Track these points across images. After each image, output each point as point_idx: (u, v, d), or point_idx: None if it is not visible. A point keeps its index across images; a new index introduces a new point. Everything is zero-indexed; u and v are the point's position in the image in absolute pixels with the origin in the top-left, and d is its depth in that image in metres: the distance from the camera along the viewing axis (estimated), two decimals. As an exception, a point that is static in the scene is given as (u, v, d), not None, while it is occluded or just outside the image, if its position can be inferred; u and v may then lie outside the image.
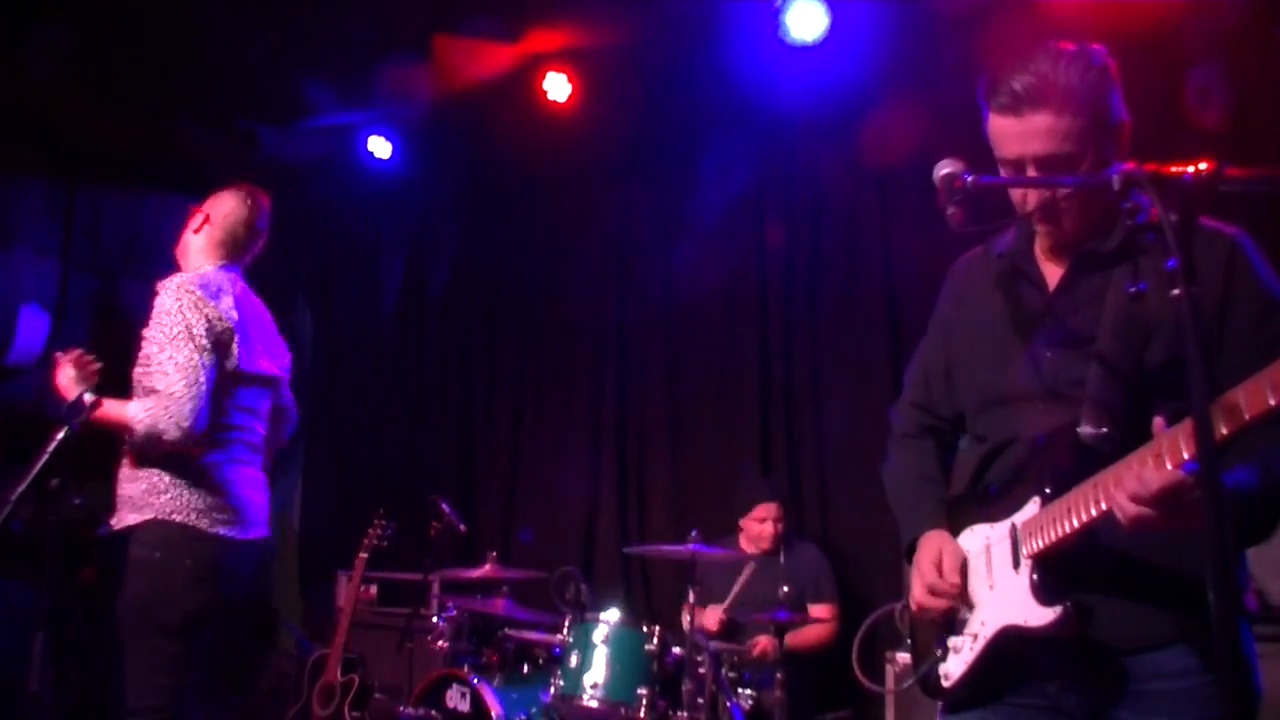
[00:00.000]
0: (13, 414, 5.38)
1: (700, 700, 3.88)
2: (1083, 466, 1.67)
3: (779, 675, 3.97)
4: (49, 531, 3.87)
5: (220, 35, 5.10)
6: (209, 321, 3.19)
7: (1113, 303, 1.79)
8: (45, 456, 2.83)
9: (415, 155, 6.25)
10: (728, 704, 3.97)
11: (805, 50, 4.84)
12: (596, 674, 3.96)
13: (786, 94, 5.22)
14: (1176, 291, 1.41)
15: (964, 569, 1.89)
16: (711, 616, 4.56)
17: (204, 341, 3.14)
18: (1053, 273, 1.93)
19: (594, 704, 3.94)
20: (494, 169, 6.42)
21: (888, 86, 5.06)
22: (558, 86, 5.42)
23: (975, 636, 1.83)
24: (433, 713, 4.31)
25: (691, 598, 4.01)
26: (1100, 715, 1.73)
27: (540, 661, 4.54)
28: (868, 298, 5.24)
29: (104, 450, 3.38)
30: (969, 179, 1.69)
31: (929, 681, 1.94)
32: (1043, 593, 1.71)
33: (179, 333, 3.12)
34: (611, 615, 4.14)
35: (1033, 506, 1.77)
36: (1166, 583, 1.68)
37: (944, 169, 1.70)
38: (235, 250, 3.51)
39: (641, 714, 3.88)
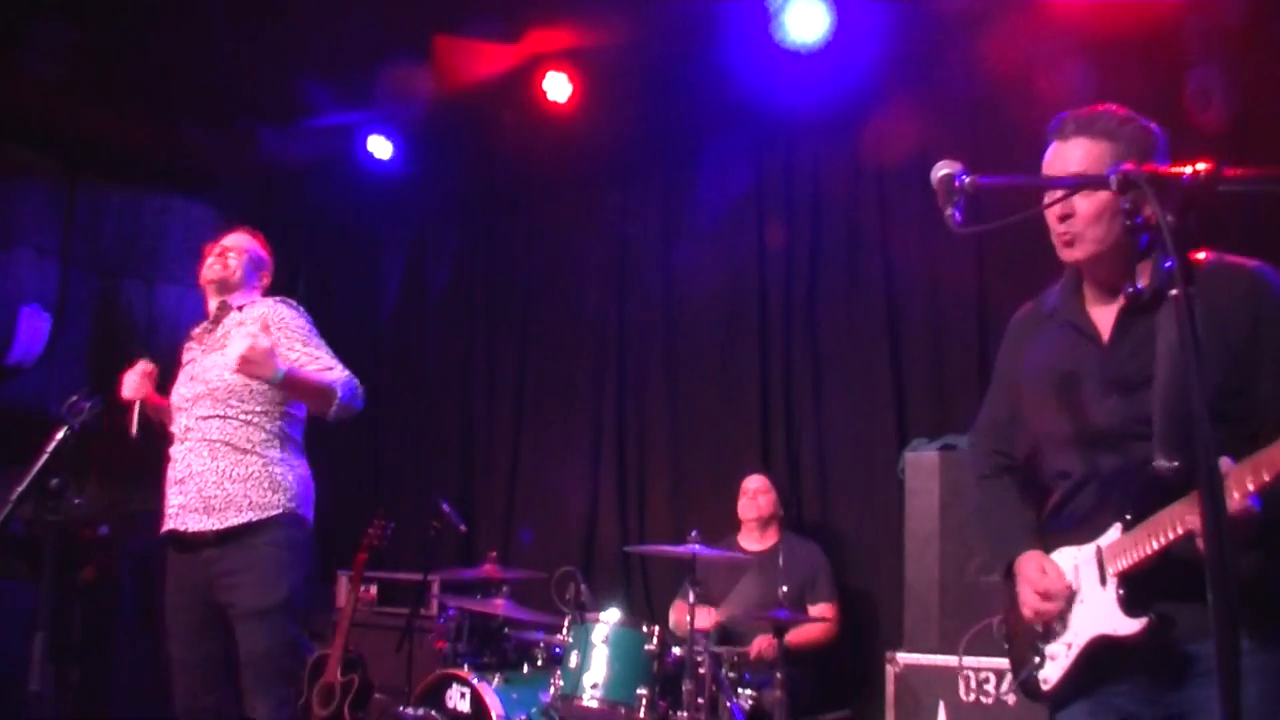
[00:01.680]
0: (13, 414, 5.38)
1: (700, 700, 3.88)
2: (1158, 496, 1.91)
3: (779, 675, 3.96)
4: (49, 531, 3.87)
5: (220, 35, 5.10)
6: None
7: (1164, 344, 1.98)
8: (45, 456, 2.83)
9: (415, 155, 6.25)
10: (728, 704, 3.97)
11: (805, 51, 4.84)
12: (596, 674, 3.96)
13: (787, 94, 5.21)
14: (1175, 292, 1.41)
15: (1065, 582, 2.11)
16: (705, 619, 4.57)
17: None
18: (1102, 319, 2.12)
19: (594, 704, 3.94)
20: (494, 169, 6.42)
21: (888, 87, 5.06)
22: (558, 86, 5.42)
23: (1069, 645, 2.08)
24: (433, 713, 4.31)
25: (691, 597, 4.01)
26: (1175, 696, 1.96)
27: (540, 661, 4.54)
28: (868, 298, 5.24)
29: (104, 450, 3.38)
30: (966, 179, 1.72)
31: (1029, 685, 2.18)
32: (1129, 605, 1.96)
33: (310, 330, 3.46)
34: (611, 615, 4.14)
35: (1115, 531, 2.01)
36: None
37: (942, 170, 1.74)
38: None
39: (641, 714, 3.88)
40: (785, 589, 4.27)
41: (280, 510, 3.28)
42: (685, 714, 3.87)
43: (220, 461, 3.29)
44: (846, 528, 5.16)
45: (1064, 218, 2.04)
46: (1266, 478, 1.72)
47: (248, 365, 3.10)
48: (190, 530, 3.27)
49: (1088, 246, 2.04)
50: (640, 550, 4.82)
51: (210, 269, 3.54)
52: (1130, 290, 2.02)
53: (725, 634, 4.64)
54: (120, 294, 6.24)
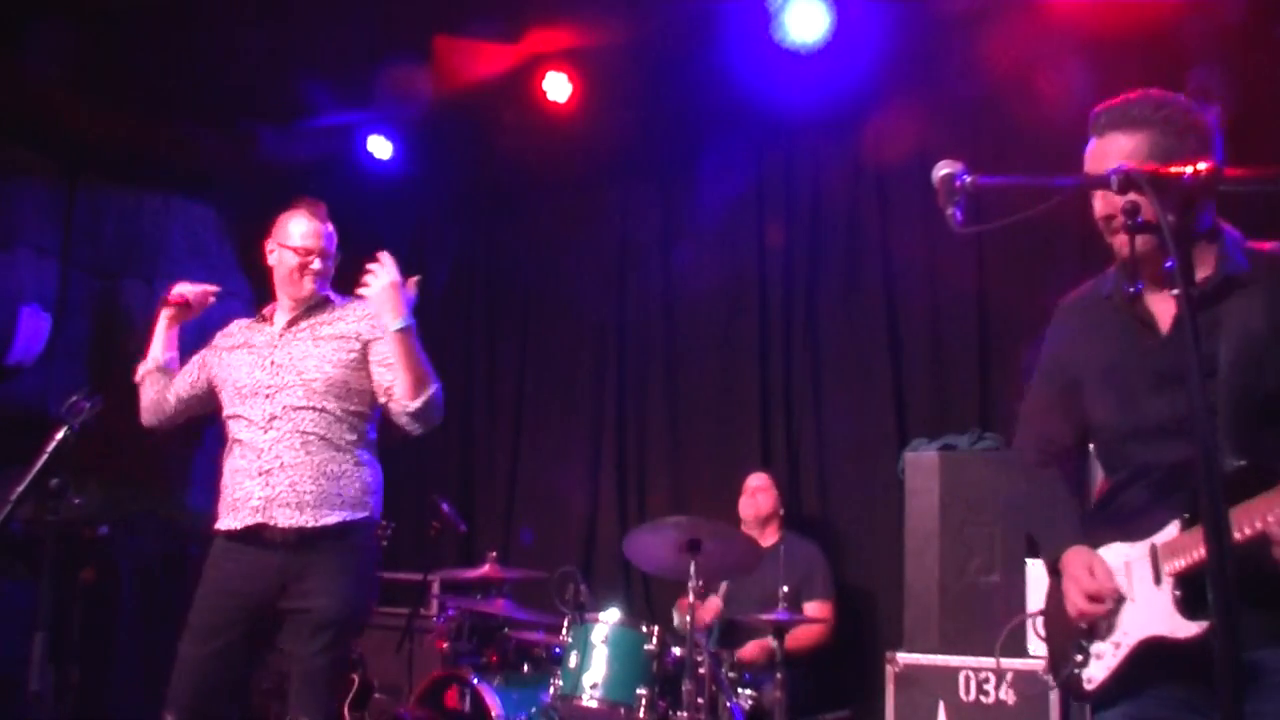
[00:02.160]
0: (13, 414, 5.37)
1: (700, 700, 3.88)
2: (1226, 493, 1.80)
3: (779, 675, 3.96)
4: (49, 531, 3.87)
5: (220, 35, 5.10)
6: None
7: (1228, 336, 1.93)
8: (45, 456, 2.83)
9: (415, 155, 6.25)
10: (728, 704, 3.97)
11: (805, 51, 4.84)
12: (596, 674, 3.96)
13: (787, 94, 5.22)
14: (1175, 292, 1.41)
15: (1113, 580, 2.04)
16: (708, 609, 4.57)
17: None
18: (1162, 310, 2.05)
19: (594, 704, 3.94)
20: (494, 169, 6.42)
21: (888, 87, 5.06)
22: (558, 86, 5.42)
23: (1118, 645, 2.01)
24: (433, 713, 4.31)
25: (691, 596, 4.01)
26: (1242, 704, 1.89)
27: (540, 661, 4.54)
28: (868, 298, 5.25)
29: (104, 450, 3.37)
30: (967, 179, 1.71)
31: (1071, 683, 2.11)
32: (1186, 607, 1.89)
33: None
34: (611, 615, 4.14)
35: (1172, 529, 1.94)
36: None
37: (943, 169, 1.73)
38: None
39: (641, 714, 3.88)
40: (785, 589, 4.27)
41: (367, 514, 3.17)
42: (685, 714, 3.87)
43: (316, 456, 3.11)
44: (846, 527, 5.17)
45: (1108, 218, 1.97)
46: None
47: (387, 295, 3.04)
48: (280, 525, 3.05)
49: (1150, 241, 1.90)
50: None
51: (303, 284, 3.31)
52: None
53: (727, 628, 4.64)
54: (120, 294, 6.23)
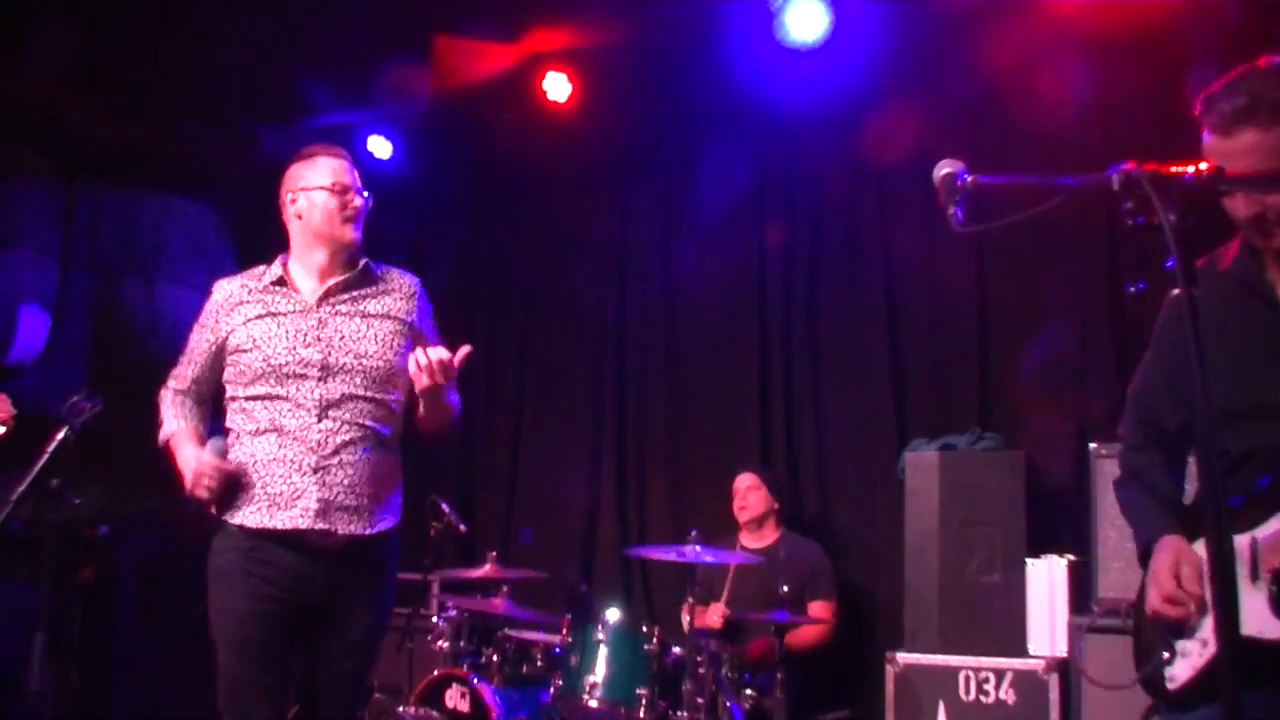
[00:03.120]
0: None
1: (700, 700, 3.88)
2: None
3: (779, 675, 3.97)
4: (49, 531, 3.87)
5: (220, 35, 5.09)
6: None
7: None
8: (45, 456, 2.83)
9: (415, 155, 6.25)
10: (728, 704, 3.97)
11: (805, 51, 4.84)
12: (596, 674, 3.96)
13: (787, 94, 5.22)
14: (1176, 292, 1.41)
15: (1202, 585, 1.92)
16: (714, 613, 4.57)
17: None
18: None
19: (594, 704, 3.94)
20: (494, 169, 6.42)
21: (888, 87, 5.06)
22: (558, 86, 5.42)
23: (1205, 643, 1.89)
24: (433, 713, 4.31)
25: (690, 598, 4.02)
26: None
27: (540, 661, 4.54)
28: (868, 298, 5.25)
29: (104, 450, 3.34)
30: (968, 179, 1.70)
31: (1153, 681, 2.00)
32: None
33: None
34: (611, 615, 4.14)
35: (1275, 523, 1.83)
36: None
37: (943, 169, 1.71)
38: None
39: (641, 714, 3.88)
40: (786, 588, 4.28)
41: (399, 519, 2.90)
42: (685, 714, 3.87)
43: (372, 454, 2.79)
44: (846, 527, 5.17)
45: (1256, 217, 1.85)
46: None
47: (436, 388, 2.71)
48: (339, 532, 2.72)
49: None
50: (640, 553, 4.82)
51: (348, 227, 2.90)
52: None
53: (732, 629, 4.64)
54: (120, 294, 6.23)
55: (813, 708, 4.50)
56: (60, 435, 2.83)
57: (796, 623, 4.30)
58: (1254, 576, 1.83)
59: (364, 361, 2.81)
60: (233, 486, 2.76)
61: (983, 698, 3.88)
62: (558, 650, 4.25)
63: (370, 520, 2.77)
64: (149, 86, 5.55)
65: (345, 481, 2.74)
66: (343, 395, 2.77)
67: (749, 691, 4.13)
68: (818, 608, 4.67)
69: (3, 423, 3.21)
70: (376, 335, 2.84)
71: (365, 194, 2.98)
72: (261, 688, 2.72)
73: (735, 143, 5.62)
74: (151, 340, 6.25)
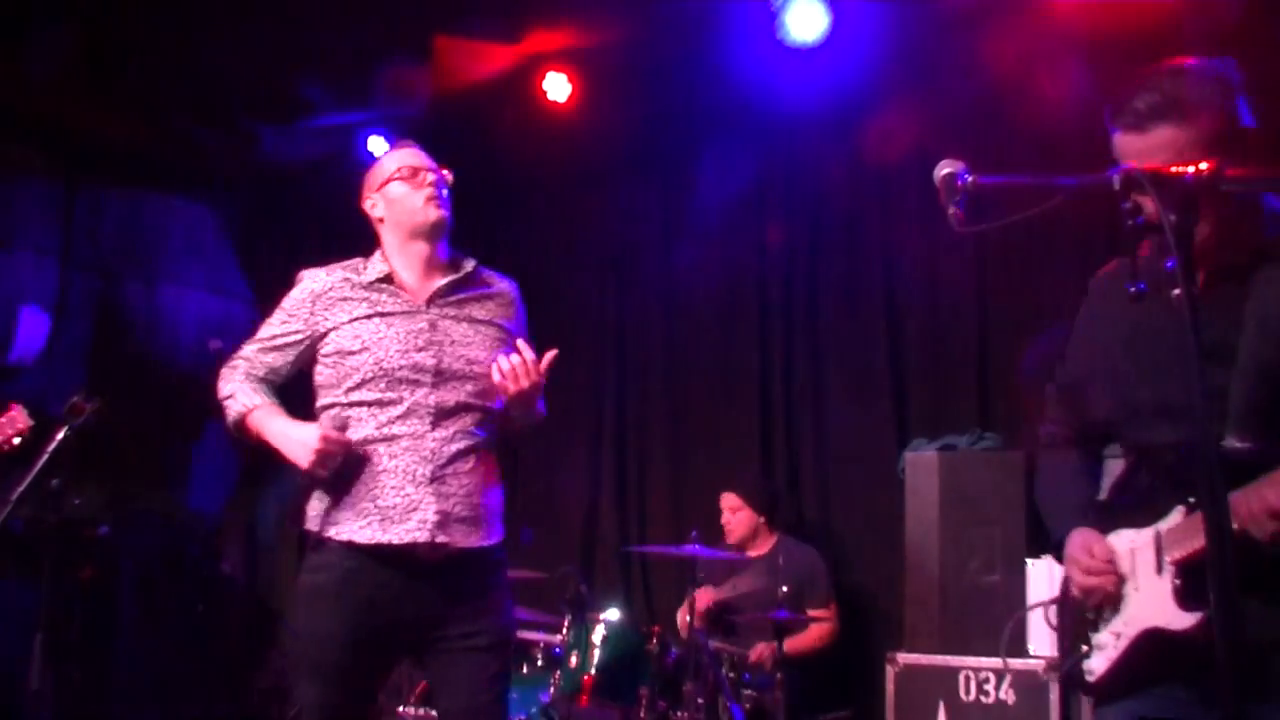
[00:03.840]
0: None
1: (700, 700, 3.88)
2: (1227, 479, 1.72)
3: (779, 676, 3.97)
4: (49, 531, 3.87)
5: (220, 35, 5.10)
6: None
7: (1251, 313, 1.83)
8: (45, 456, 2.83)
9: (415, 155, 6.24)
10: (728, 704, 3.97)
11: (805, 50, 4.84)
12: (596, 674, 3.96)
13: (786, 94, 5.22)
14: (1177, 292, 1.41)
15: (1113, 560, 1.97)
16: (703, 597, 4.56)
17: None
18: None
19: (594, 704, 3.94)
20: (494, 169, 6.41)
21: (888, 86, 5.06)
22: (558, 86, 5.42)
23: (1118, 635, 1.94)
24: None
25: (687, 602, 4.02)
26: (1259, 711, 1.79)
27: (540, 661, 4.54)
28: (868, 298, 5.25)
29: (104, 450, 3.32)
30: (969, 179, 1.70)
31: (1074, 676, 2.04)
32: (1184, 598, 1.81)
33: None
34: (611, 615, 4.15)
35: (1177, 515, 1.86)
36: None
37: (944, 169, 1.71)
38: None
39: (641, 714, 3.88)
40: (786, 589, 4.28)
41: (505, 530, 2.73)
42: (685, 714, 3.87)
43: (482, 463, 2.66)
44: (846, 527, 5.17)
45: None
46: None
47: (528, 393, 2.61)
48: (457, 545, 2.55)
49: (1206, 227, 1.79)
50: (640, 550, 4.83)
51: (430, 209, 2.77)
52: (1219, 265, 1.86)
53: (721, 617, 4.63)
54: (120, 294, 6.23)
55: (813, 708, 4.50)
56: (60, 435, 2.83)
57: (795, 621, 4.30)
58: (1159, 568, 1.87)
59: (474, 368, 2.66)
60: (340, 487, 2.56)
61: (983, 698, 3.88)
62: (557, 650, 4.25)
63: (486, 531, 2.62)
64: (149, 86, 5.55)
65: (461, 492, 2.58)
66: (455, 403, 2.62)
67: (749, 692, 4.13)
68: (815, 612, 4.67)
69: (20, 434, 3.19)
70: (484, 341, 2.71)
71: (444, 171, 2.85)
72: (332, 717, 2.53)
73: (735, 143, 5.62)
74: (151, 340, 6.25)
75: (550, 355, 2.66)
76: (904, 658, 4.09)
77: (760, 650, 4.41)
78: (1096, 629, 1.99)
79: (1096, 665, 1.98)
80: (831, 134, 5.37)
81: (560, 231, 6.37)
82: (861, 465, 5.15)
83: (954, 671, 3.96)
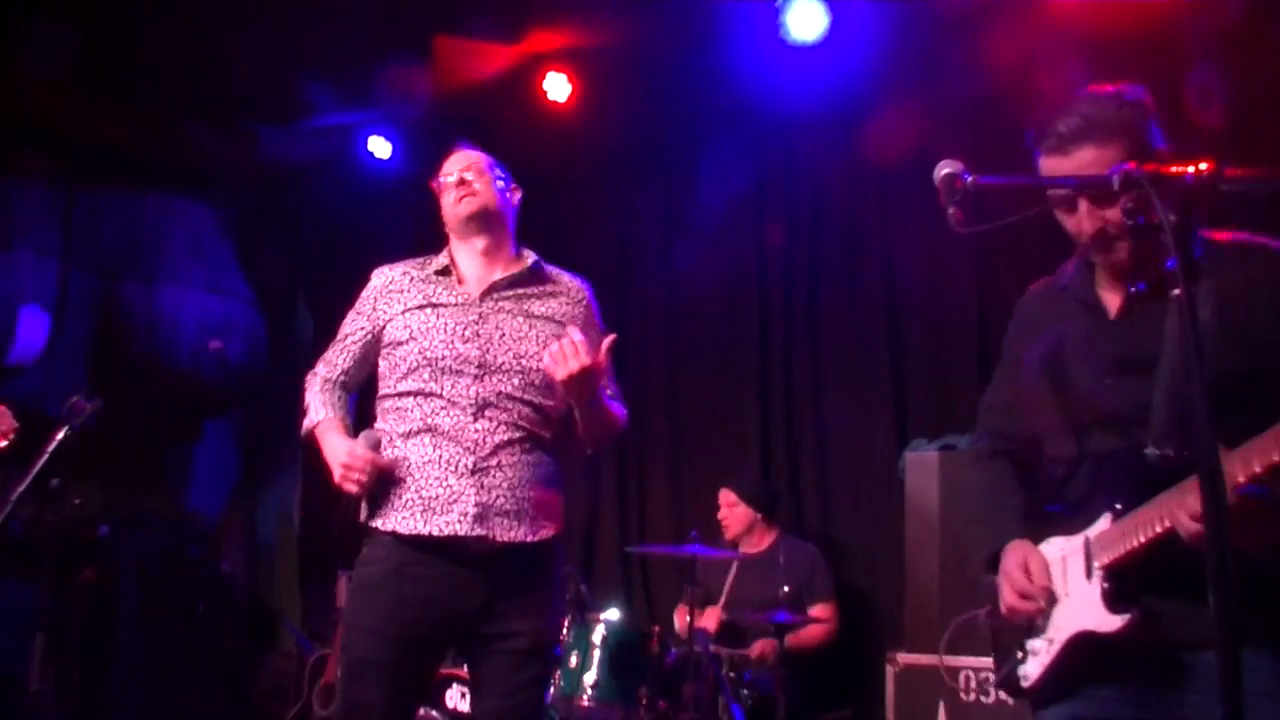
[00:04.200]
0: (13, 414, 5.37)
1: (700, 700, 3.88)
2: (1150, 485, 1.82)
3: (779, 675, 3.97)
4: (49, 531, 3.87)
5: (220, 35, 5.10)
6: None
7: (1172, 326, 1.88)
8: (45, 456, 2.83)
9: (415, 155, 6.25)
10: (728, 704, 3.97)
11: (805, 50, 4.84)
12: (596, 674, 3.96)
13: (786, 94, 5.22)
14: (1176, 292, 1.42)
15: (1049, 579, 2.02)
16: (709, 618, 4.56)
17: None
18: (1113, 302, 2.04)
19: (594, 704, 3.94)
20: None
21: (888, 87, 5.06)
22: (558, 86, 5.42)
23: (1051, 641, 1.99)
24: (433, 713, 4.31)
25: (689, 598, 4.02)
26: (1162, 701, 1.88)
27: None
28: (868, 298, 5.25)
29: (104, 450, 3.32)
30: (969, 179, 1.71)
31: (1010, 682, 2.09)
32: (1113, 601, 1.87)
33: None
34: (611, 615, 4.15)
35: (1104, 522, 1.92)
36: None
37: (944, 169, 1.72)
38: None
39: (641, 714, 3.88)
40: (786, 589, 4.28)
41: (561, 526, 2.66)
42: (685, 714, 3.87)
43: (530, 455, 2.60)
44: (846, 528, 5.17)
45: (1098, 231, 1.91)
46: (1258, 469, 1.63)
47: (583, 384, 2.53)
48: (498, 539, 2.51)
49: (1127, 246, 1.93)
50: (640, 550, 4.82)
51: (460, 205, 2.79)
52: (1133, 290, 1.97)
53: (728, 631, 4.64)
54: (120, 294, 6.23)
55: (813, 708, 4.50)
56: (60, 435, 2.83)
57: (796, 622, 4.30)
58: (1088, 573, 1.93)
59: (523, 362, 2.63)
60: (385, 483, 2.56)
61: (983, 698, 3.87)
62: (558, 650, 4.25)
63: (535, 527, 2.56)
64: (149, 86, 5.56)
65: (507, 485, 2.55)
66: (500, 394, 2.59)
67: (749, 692, 4.13)
68: (817, 610, 4.66)
69: (4, 436, 3.19)
70: (538, 336, 2.67)
71: (491, 174, 2.91)
72: (380, 713, 2.49)
73: (735, 143, 5.62)
74: (151, 340, 6.26)
75: (609, 340, 2.62)
76: (904, 658, 4.08)
77: (761, 646, 4.40)
78: (1030, 635, 2.04)
79: (1031, 670, 2.03)
80: (831, 134, 5.37)
81: (560, 231, 6.37)
82: (861, 465, 5.15)
83: (954, 671, 3.95)
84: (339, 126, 6.06)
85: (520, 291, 2.76)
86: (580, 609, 4.24)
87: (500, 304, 2.71)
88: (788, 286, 5.50)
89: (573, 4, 5.09)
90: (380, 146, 6.17)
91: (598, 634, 4.03)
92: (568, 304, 2.82)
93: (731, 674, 4.14)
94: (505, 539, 2.51)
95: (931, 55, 4.99)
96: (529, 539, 2.54)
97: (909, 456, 4.46)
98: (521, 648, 2.51)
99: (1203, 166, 1.49)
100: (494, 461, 2.55)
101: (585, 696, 3.94)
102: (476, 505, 2.50)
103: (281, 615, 6.63)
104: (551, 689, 4.04)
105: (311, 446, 2.74)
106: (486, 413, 2.57)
